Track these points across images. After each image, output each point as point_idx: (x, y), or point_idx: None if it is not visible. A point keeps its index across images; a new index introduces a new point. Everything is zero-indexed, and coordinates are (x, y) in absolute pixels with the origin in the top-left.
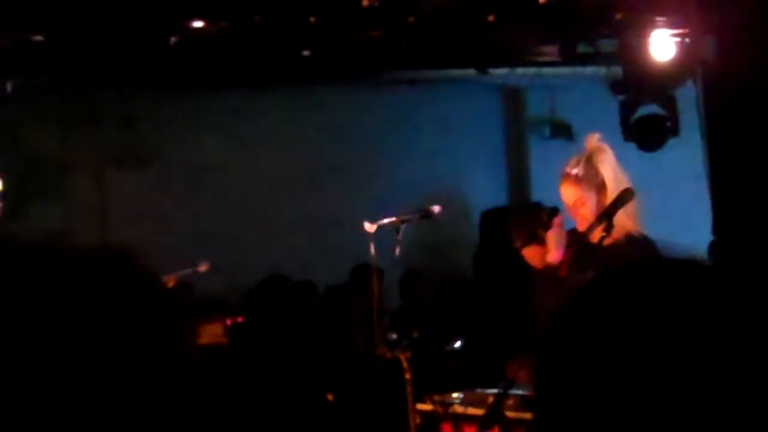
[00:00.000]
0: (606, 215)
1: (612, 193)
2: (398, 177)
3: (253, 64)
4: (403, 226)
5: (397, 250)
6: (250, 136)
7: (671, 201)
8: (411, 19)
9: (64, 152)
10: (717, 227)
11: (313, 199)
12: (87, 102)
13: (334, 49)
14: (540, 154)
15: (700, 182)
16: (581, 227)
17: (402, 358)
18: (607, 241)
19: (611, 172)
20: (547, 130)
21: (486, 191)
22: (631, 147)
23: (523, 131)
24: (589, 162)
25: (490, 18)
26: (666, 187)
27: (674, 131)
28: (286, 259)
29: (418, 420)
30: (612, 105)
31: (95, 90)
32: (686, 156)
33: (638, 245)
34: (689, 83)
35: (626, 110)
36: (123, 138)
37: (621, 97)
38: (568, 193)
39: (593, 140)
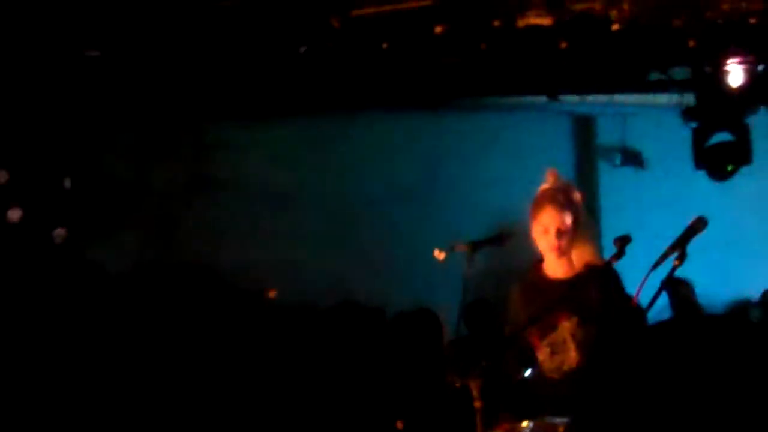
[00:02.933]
0: (678, 244)
1: (585, 226)
2: (469, 204)
3: (326, 92)
4: (474, 254)
5: (468, 278)
6: (322, 164)
7: (742, 232)
8: (483, 46)
9: (142, 181)
10: None
11: (386, 225)
12: (163, 132)
13: (408, 76)
14: (610, 181)
15: None
16: (555, 253)
17: (472, 386)
18: (568, 274)
19: (582, 208)
20: (617, 158)
21: None
22: (703, 175)
23: (593, 158)
24: (567, 190)
25: (563, 45)
26: (737, 217)
27: (746, 159)
28: (358, 285)
29: None
30: (683, 133)
31: (171, 120)
32: (759, 185)
33: (602, 275)
34: (762, 110)
35: (698, 138)
36: (199, 167)
37: (693, 125)
38: (554, 217)
39: (556, 175)
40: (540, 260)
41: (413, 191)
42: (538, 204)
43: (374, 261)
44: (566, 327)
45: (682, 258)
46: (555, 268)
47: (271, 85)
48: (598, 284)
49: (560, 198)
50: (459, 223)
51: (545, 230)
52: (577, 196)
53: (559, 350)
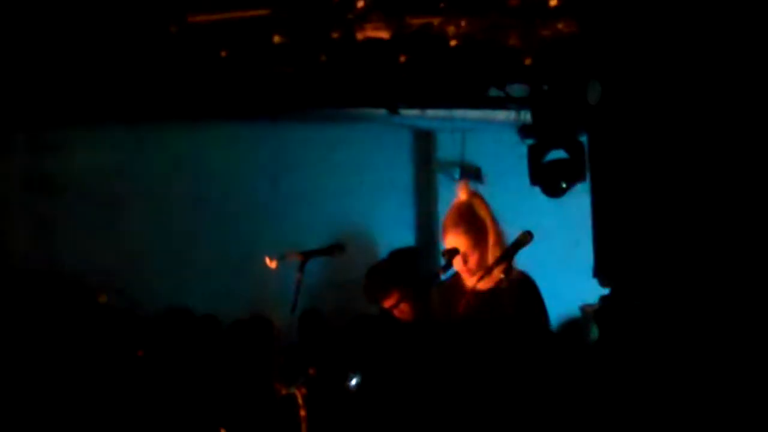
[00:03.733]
0: (505, 257)
1: (492, 239)
2: (309, 215)
3: (167, 97)
4: (305, 263)
5: (299, 286)
6: (162, 168)
7: (576, 248)
8: (323, 58)
9: None
10: (597, 269)
11: (222, 235)
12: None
13: (246, 85)
14: (449, 195)
15: None
16: (467, 274)
17: (297, 394)
18: (487, 285)
19: (490, 219)
20: (457, 172)
21: (396, 231)
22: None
23: (432, 172)
24: (472, 210)
25: (402, 59)
26: (571, 234)
27: (580, 176)
28: (194, 293)
29: None
30: (522, 149)
31: (6, 121)
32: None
33: (522, 285)
34: None
35: (534, 154)
36: (33, 168)
37: (529, 142)
38: (458, 242)
39: (466, 188)
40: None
41: (253, 201)
42: (443, 227)
43: (211, 269)
44: None
45: (508, 271)
46: (471, 279)
47: (109, 89)
48: (517, 295)
49: (464, 220)
50: (298, 233)
51: (449, 254)
52: (482, 210)
53: None
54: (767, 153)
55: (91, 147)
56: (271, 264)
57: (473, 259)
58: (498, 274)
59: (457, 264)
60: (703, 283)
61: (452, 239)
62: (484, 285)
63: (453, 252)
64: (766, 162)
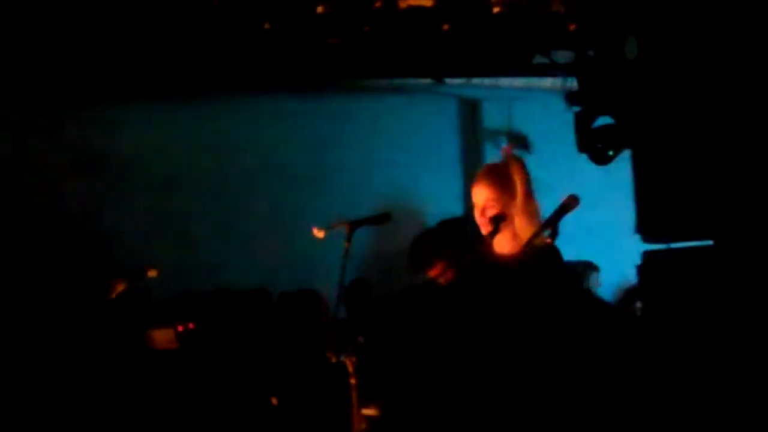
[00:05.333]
0: (551, 222)
1: (520, 205)
2: (355, 186)
3: (212, 71)
4: (352, 232)
5: (347, 256)
6: (210, 143)
7: (624, 214)
8: (366, 28)
9: (20, 156)
10: (641, 228)
11: (272, 206)
12: (45, 110)
13: (291, 57)
14: None
15: None
16: (484, 230)
17: (348, 362)
18: (511, 251)
19: (523, 186)
20: (503, 141)
21: (443, 201)
22: (587, 158)
23: (479, 142)
24: (505, 170)
25: (445, 27)
26: (619, 200)
27: (629, 143)
28: (245, 265)
29: (363, 425)
30: (568, 116)
31: (51, 97)
32: None
33: (543, 253)
34: None
35: (581, 122)
36: (80, 143)
37: (576, 109)
38: (479, 195)
39: (509, 152)
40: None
41: (298, 173)
42: (475, 179)
43: (262, 241)
44: None
45: (554, 235)
46: (501, 245)
47: (154, 64)
48: (537, 264)
49: (493, 173)
50: (344, 204)
51: (475, 207)
52: (517, 174)
53: None
54: None
55: (138, 124)
56: (319, 234)
57: (493, 212)
58: (523, 239)
59: (476, 214)
60: (745, 237)
61: (477, 190)
62: (508, 250)
63: (500, 218)
64: None
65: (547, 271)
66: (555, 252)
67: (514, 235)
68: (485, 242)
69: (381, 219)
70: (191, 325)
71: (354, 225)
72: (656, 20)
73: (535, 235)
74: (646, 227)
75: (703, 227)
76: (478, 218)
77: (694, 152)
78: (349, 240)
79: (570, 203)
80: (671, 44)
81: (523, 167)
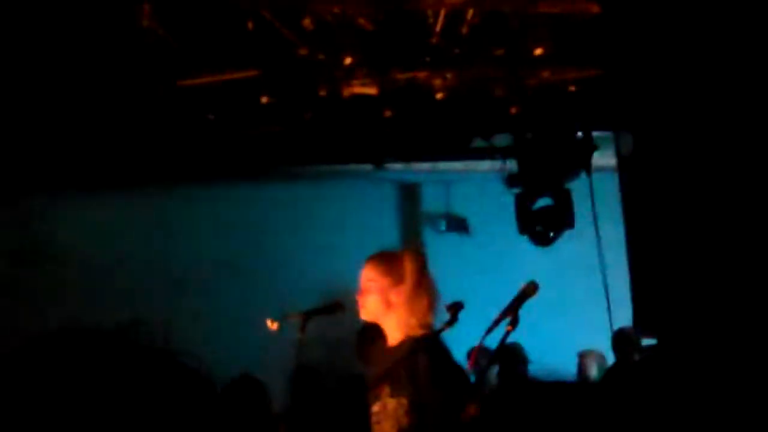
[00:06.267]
0: (510, 309)
1: (406, 294)
2: (296, 274)
3: (153, 159)
4: (306, 323)
5: (301, 346)
6: (148, 235)
7: (565, 295)
8: (308, 116)
9: None
10: (637, 320)
11: (211, 295)
12: None
13: (232, 145)
14: (435, 248)
15: (594, 275)
16: (362, 313)
17: None
18: (392, 343)
19: (414, 276)
20: (442, 224)
21: None
22: (527, 239)
23: (418, 226)
24: (396, 257)
25: (387, 113)
26: (559, 281)
27: (568, 224)
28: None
29: None
30: (506, 198)
31: None
32: (580, 249)
33: (425, 347)
34: (582, 176)
35: (521, 203)
36: (22, 237)
37: (515, 191)
38: (363, 275)
39: (414, 247)
40: None
41: (240, 261)
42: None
43: (200, 331)
44: (383, 397)
45: (514, 323)
46: (388, 334)
47: (96, 156)
48: (408, 356)
49: (379, 258)
50: (286, 292)
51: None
52: (410, 263)
53: (380, 420)
54: None
55: (76, 213)
56: (273, 326)
57: (372, 296)
58: (404, 332)
59: (360, 294)
60: (743, 332)
61: (363, 271)
62: (391, 341)
63: (458, 306)
64: None
65: (417, 364)
66: (432, 341)
67: (399, 325)
68: (366, 330)
69: (334, 308)
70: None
71: (308, 315)
72: (651, 116)
73: (495, 324)
74: (643, 323)
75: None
76: (359, 297)
77: (692, 246)
78: (302, 330)
79: (529, 290)
80: (668, 141)
81: (419, 259)
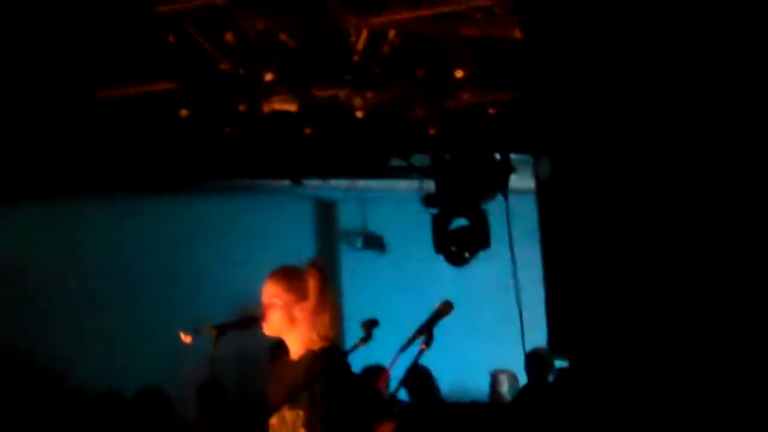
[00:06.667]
0: (425, 328)
1: (310, 310)
2: (211, 288)
3: (70, 171)
4: (219, 337)
5: (214, 360)
6: (62, 240)
7: (479, 315)
8: (227, 130)
9: None
10: (552, 340)
11: (125, 308)
12: None
13: (150, 158)
14: (351, 265)
15: (509, 295)
16: (266, 328)
17: None
18: (294, 356)
19: (317, 292)
20: (359, 242)
21: None
22: (443, 259)
23: (335, 243)
24: (299, 273)
25: (307, 130)
26: (474, 301)
27: (484, 244)
28: (90, 367)
29: None
30: (423, 218)
31: None
32: (494, 269)
33: (321, 357)
34: (499, 198)
35: (438, 223)
36: None
37: (433, 211)
38: (266, 291)
39: (315, 262)
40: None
41: (153, 272)
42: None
43: (115, 344)
44: (283, 410)
45: (429, 342)
46: (290, 348)
47: (11, 164)
48: (307, 369)
49: (281, 274)
50: (201, 305)
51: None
52: (313, 280)
53: None
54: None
55: None
56: (186, 339)
57: (277, 311)
58: (305, 346)
59: (264, 310)
60: (663, 355)
61: (265, 287)
62: (293, 354)
63: (373, 323)
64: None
65: (318, 375)
66: (332, 354)
67: (302, 340)
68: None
69: (248, 323)
70: None
71: (221, 329)
72: (570, 140)
73: (409, 342)
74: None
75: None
76: (262, 314)
77: (609, 267)
78: (215, 345)
79: (444, 309)
80: (587, 165)
81: (321, 275)
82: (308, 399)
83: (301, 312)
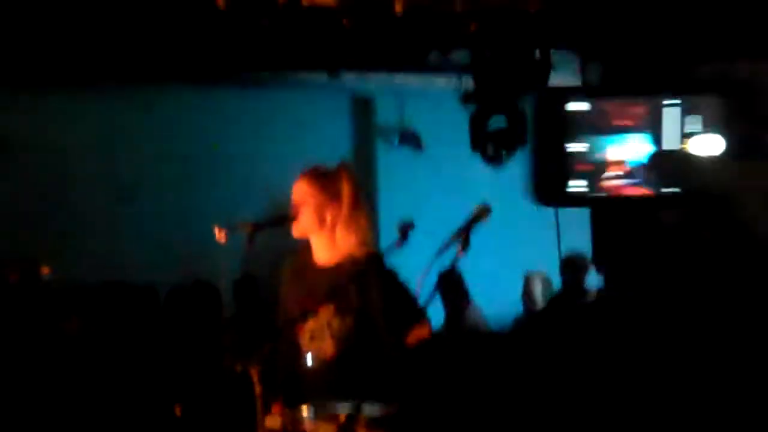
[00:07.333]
0: (461, 232)
1: (344, 215)
2: (246, 181)
3: (109, 62)
4: (255, 234)
5: (249, 257)
6: (104, 134)
7: (515, 216)
8: (265, 22)
9: None
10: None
11: (161, 201)
12: None
13: (187, 50)
14: (388, 162)
15: None
16: (294, 229)
17: (252, 372)
18: (331, 262)
19: (350, 196)
20: (395, 139)
21: None
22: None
23: (371, 139)
24: (334, 175)
25: (345, 22)
26: (510, 202)
27: (522, 143)
28: (129, 262)
29: None
30: (462, 116)
31: None
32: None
33: (361, 265)
34: None
35: (475, 122)
36: None
37: (471, 108)
38: (298, 190)
39: (346, 164)
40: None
41: (190, 166)
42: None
43: (149, 236)
44: (324, 315)
45: (465, 246)
46: (319, 252)
47: (51, 52)
48: (355, 274)
49: (316, 174)
50: (235, 199)
51: (292, 204)
52: (346, 183)
53: (317, 337)
54: None
55: (29, 112)
56: (220, 235)
57: (308, 210)
58: (344, 251)
59: (294, 210)
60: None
61: (297, 186)
62: (328, 260)
63: (408, 225)
64: None
65: (368, 280)
66: (377, 259)
67: (333, 244)
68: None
69: (283, 220)
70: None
71: (257, 227)
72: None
73: (446, 247)
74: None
75: None
76: (292, 215)
77: None
78: (250, 241)
79: (481, 213)
80: None
81: (354, 179)
82: (362, 307)
83: (332, 214)
